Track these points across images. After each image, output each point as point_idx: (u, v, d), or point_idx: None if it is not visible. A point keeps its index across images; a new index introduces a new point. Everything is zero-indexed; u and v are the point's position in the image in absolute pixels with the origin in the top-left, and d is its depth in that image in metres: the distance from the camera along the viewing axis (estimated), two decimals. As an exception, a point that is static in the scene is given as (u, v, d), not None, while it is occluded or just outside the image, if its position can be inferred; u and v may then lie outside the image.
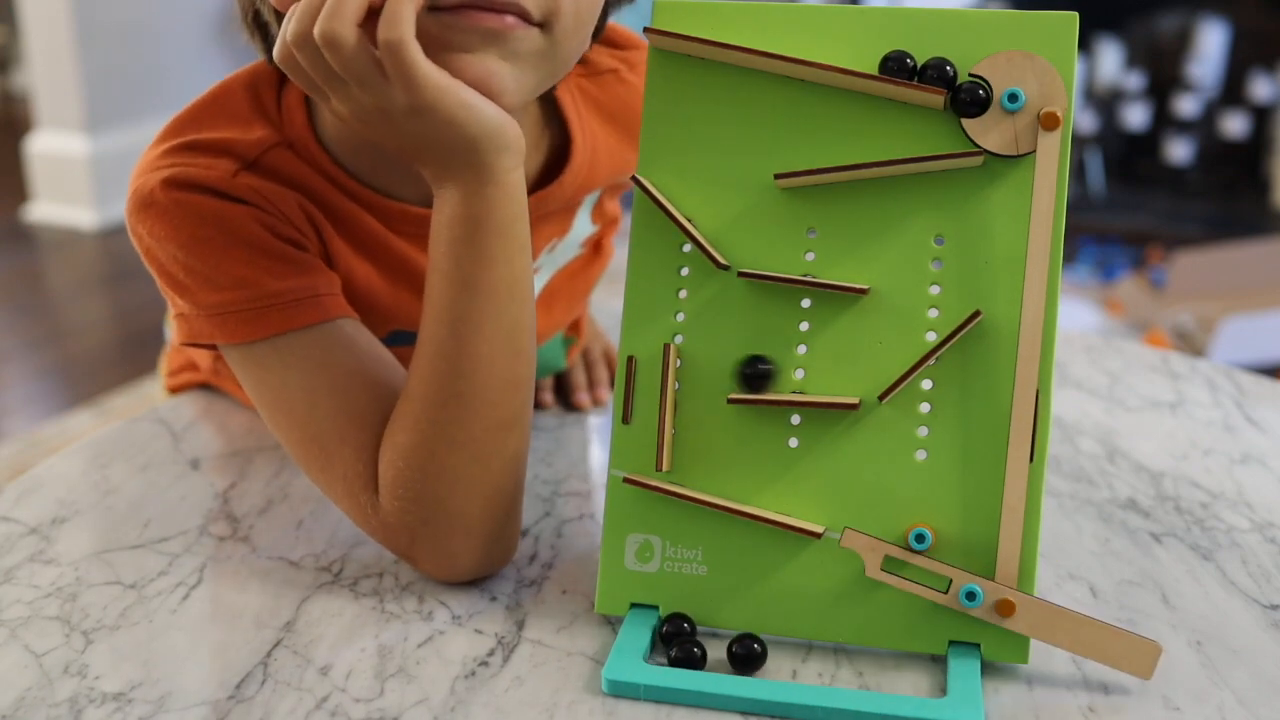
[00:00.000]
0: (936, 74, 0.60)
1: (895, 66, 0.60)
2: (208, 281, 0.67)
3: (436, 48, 0.60)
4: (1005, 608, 0.59)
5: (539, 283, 0.84)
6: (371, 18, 0.58)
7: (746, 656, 0.59)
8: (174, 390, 0.93)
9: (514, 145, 0.63)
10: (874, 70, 0.61)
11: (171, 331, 0.96)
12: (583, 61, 0.77)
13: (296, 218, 0.70)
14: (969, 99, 0.60)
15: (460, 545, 0.65)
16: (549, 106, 0.77)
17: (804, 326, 0.62)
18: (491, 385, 0.64)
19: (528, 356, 0.66)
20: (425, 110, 0.60)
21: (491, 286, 0.64)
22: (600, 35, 0.75)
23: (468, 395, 0.63)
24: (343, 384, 0.67)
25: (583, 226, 0.84)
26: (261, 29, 0.71)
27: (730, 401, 0.62)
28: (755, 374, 0.62)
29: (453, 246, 0.63)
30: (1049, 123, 0.59)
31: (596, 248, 0.88)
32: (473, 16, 0.60)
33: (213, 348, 0.70)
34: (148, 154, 0.71)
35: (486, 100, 0.61)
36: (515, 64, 0.62)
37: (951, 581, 0.59)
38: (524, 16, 0.61)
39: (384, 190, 0.73)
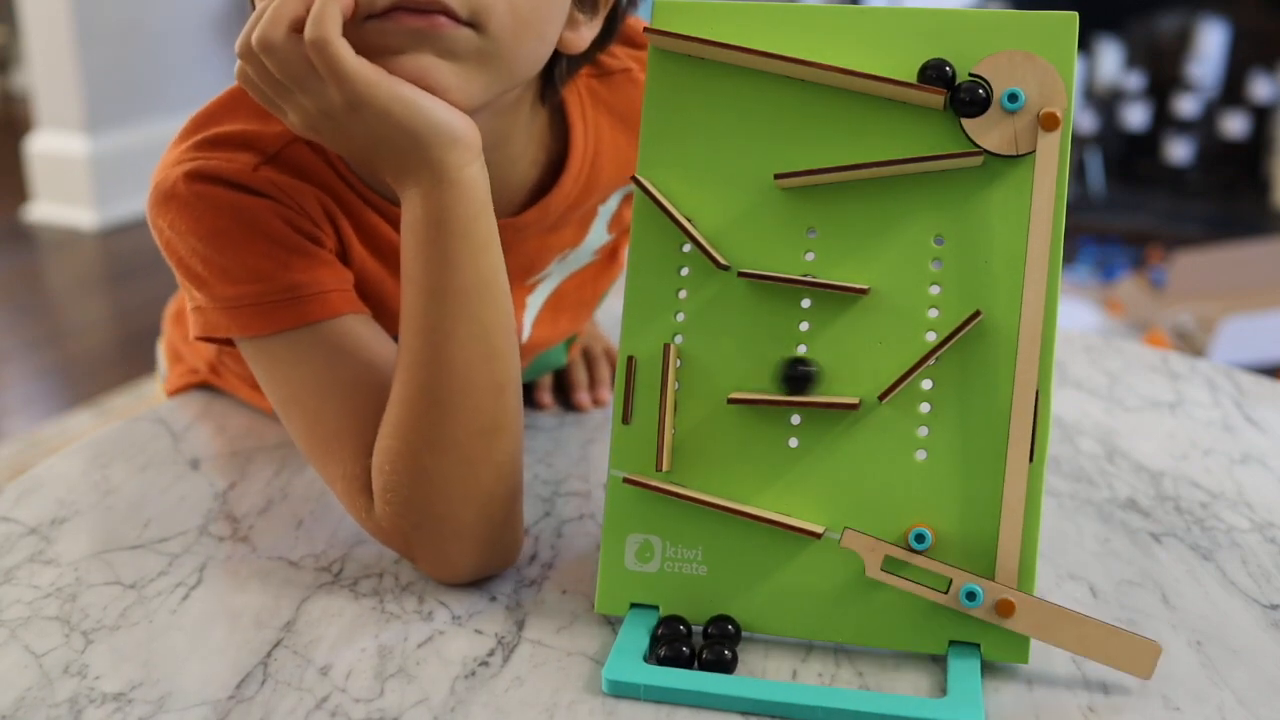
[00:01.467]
0: (968, 96, 0.60)
1: (934, 75, 0.60)
2: (225, 273, 0.68)
3: (375, 53, 0.61)
4: (1005, 608, 0.59)
5: (547, 289, 0.84)
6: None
7: (721, 636, 0.60)
8: (174, 392, 0.93)
9: (463, 140, 0.63)
10: (874, 70, 0.61)
11: (165, 361, 0.96)
12: (595, 62, 0.77)
13: (315, 213, 0.70)
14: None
15: (455, 550, 0.65)
16: (557, 112, 0.77)
17: (804, 326, 0.62)
18: (470, 390, 0.64)
19: (506, 360, 0.65)
20: (360, 105, 0.60)
21: (459, 289, 0.63)
22: (615, 36, 0.75)
23: (447, 401, 0.63)
24: (349, 384, 0.67)
25: (598, 236, 0.84)
26: None
27: (730, 401, 0.62)
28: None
29: (418, 251, 0.64)
30: (1049, 123, 0.59)
31: (611, 255, 0.88)
32: (401, 19, 0.61)
33: (228, 342, 0.70)
34: (171, 149, 0.72)
35: (428, 95, 0.62)
36: (454, 63, 0.62)
37: (951, 581, 0.59)
38: (451, 15, 0.61)
39: (385, 193, 0.73)
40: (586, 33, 0.71)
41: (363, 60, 0.60)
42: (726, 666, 0.59)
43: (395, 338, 0.71)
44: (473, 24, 0.62)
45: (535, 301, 0.84)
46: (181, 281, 0.71)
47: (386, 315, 0.73)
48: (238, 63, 0.63)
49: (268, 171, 0.70)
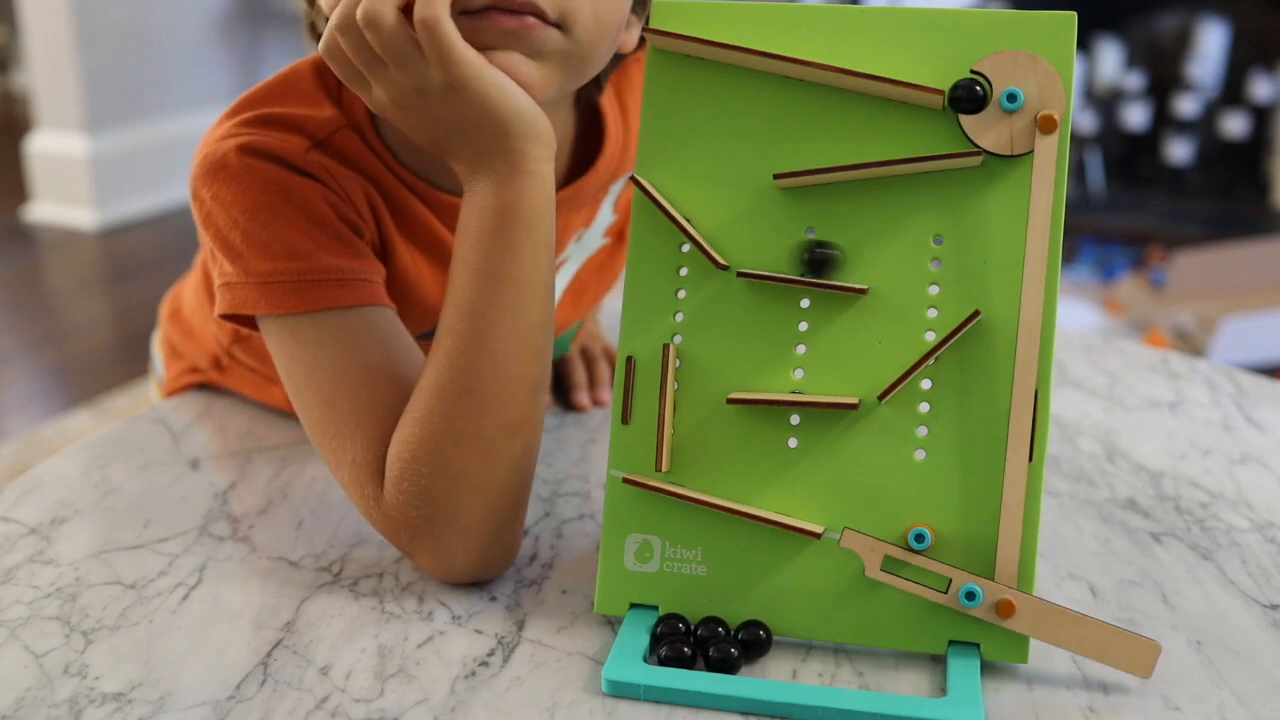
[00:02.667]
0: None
1: (964, 95, 0.60)
2: (264, 248, 0.68)
3: None
4: (1005, 608, 0.59)
5: (568, 272, 0.86)
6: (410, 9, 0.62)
7: (753, 642, 0.60)
8: (173, 391, 0.93)
9: (544, 136, 0.65)
10: (873, 70, 0.61)
11: (162, 359, 0.96)
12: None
13: (359, 202, 0.72)
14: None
15: (459, 545, 0.65)
16: (585, 100, 0.79)
17: (803, 326, 0.62)
18: (505, 384, 0.64)
19: (543, 358, 0.66)
20: (460, 87, 0.62)
21: (514, 281, 0.64)
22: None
23: (480, 391, 0.64)
24: (371, 372, 0.67)
25: (604, 216, 0.86)
26: (317, 37, 0.73)
27: (730, 402, 0.62)
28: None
29: (480, 238, 0.64)
30: (1046, 126, 0.59)
31: (620, 237, 0.90)
32: (495, 19, 0.64)
33: (250, 322, 0.70)
34: (219, 125, 0.73)
35: (518, 88, 0.64)
36: (539, 61, 0.65)
37: (951, 581, 0.59)
38: (541, 16, 0.64)
39: (434, 182, 0.74)
40: (635, 33, 0.74)
41: (467, 44, 0.62)
42: (731, 665, 0.59)
43: (419, 335, 0.71)
44: (559, 25, 0.65)
45: (558, 285, 0.86)
46: (215, 255, 0.71)
47: (419, 307, 0.74)
48: (326, 34, 0.64)
49: (318, 156, 0.71)
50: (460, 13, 0.63)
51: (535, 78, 0.65)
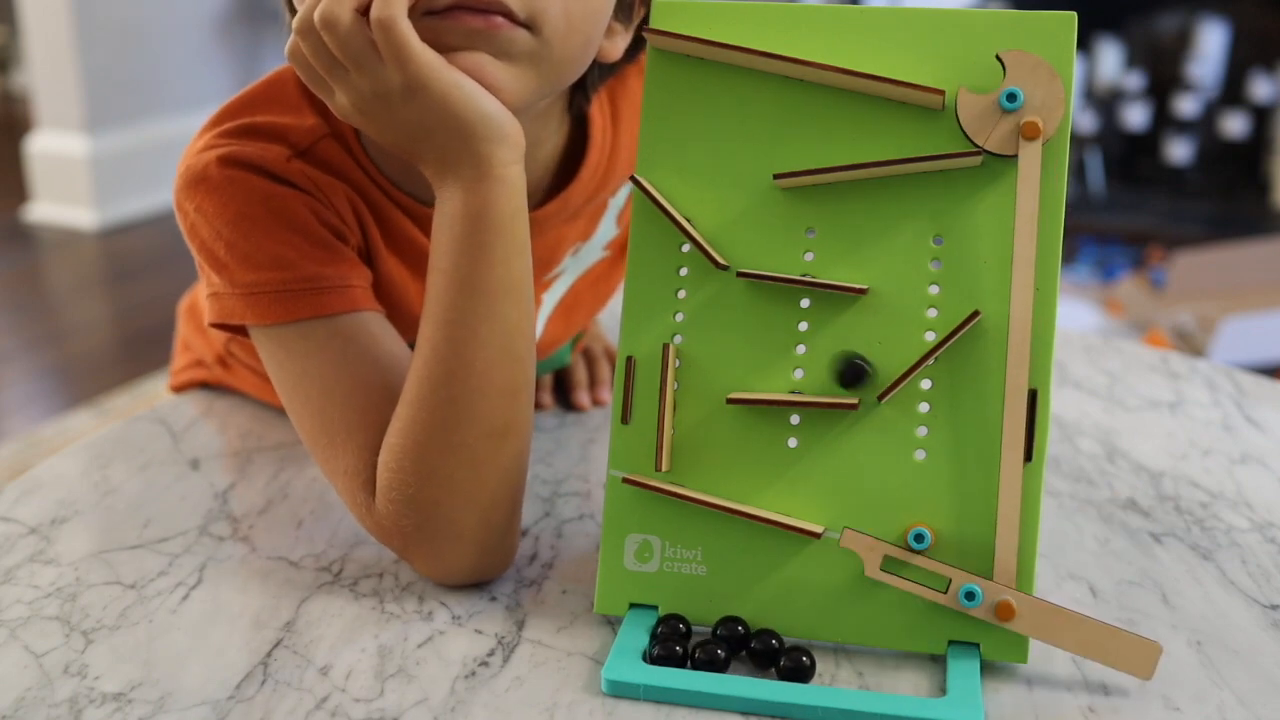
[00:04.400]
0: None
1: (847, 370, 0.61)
2: (247, 259, 0.68)
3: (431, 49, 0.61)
4: (1005, 610, 0.59)
5: (562, 286, 0.85)
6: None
7: (796, 669, 0.59)
8: (177, 389, 0.93)
9: (511, 138, 0.63)
10: (874, 70, 0.61)
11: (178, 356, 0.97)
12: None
13: (344, 209, 0.71)
14: (793, 665, 0.58)
15: (452, 552, 0.65)
16: (577, 108, 0.78)
17: (803, 326, 0.62)
18: (486, 391, 0.64)
19: (524, 363, 0.65)
20: (418, 89, 0.61)
21: (489, 287, 0.64)
22: (645, 46, 0.76)
23: (461, 400, 0.63)
24: (360, 380, 0.67)
25: (606, 229, 0.85)
26: None
27: (730, 402, 0.62)
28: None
29: (451, 245, 0.64)
30: (1029, 132, 0.59)
31: (621, 250, 0.89)
32: (461, 18, 0.62)
33: (242, 330, 0.70)
34: (201, 135, 0.72)
35: (482, 89, 0.62)
36: (509, 63, 0.64)
37: (951, 581, 0.59)
38: (509, 16, 0.62)
39: (414, 194, 0.73)
40: (621, 42, 0.72)
41: (426, 45, 0.61)
42: (718, 666, 0.59)
43: (410, 344, 0.71)
44: (528, 25, 0.63)
45: (550, 299, 0.85)
46: (201, 266, 0.71)
47: (405, 318, 0.73)
48: (290, 39, 0.63)
49: (300, 164, 0.70)
50: (425, 13, 0.61)
51: (503, 79, 0.63)
